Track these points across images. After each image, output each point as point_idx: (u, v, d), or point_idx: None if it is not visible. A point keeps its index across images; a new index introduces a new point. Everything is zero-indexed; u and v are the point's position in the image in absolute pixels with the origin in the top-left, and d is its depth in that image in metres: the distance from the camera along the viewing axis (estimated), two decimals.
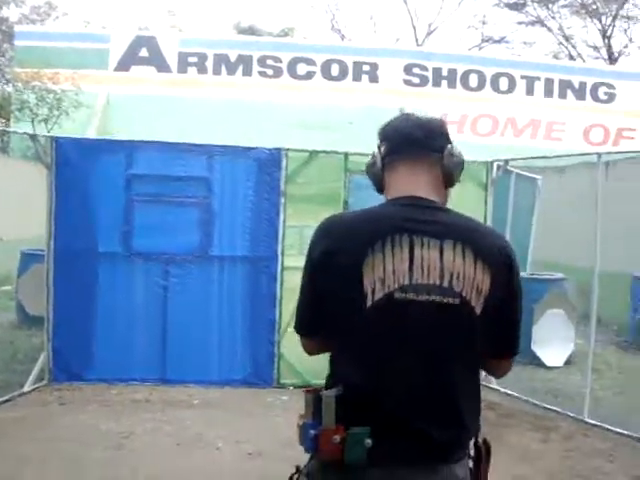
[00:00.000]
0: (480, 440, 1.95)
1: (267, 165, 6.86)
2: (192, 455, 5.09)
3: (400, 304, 1.79)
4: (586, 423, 6.05)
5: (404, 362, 1.81)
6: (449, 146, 1.95)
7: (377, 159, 1.98)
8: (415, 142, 1.93)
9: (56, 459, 4.82)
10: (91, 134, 10.59)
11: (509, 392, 6.63)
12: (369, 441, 1.77)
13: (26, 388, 6.28)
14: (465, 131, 13.47)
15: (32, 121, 14.82)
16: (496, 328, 1.89)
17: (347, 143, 7.84)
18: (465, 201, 7.20)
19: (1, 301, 10.43)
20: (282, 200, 6.85)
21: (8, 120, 17.21)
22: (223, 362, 6.77)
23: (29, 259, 8.79)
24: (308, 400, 1.87)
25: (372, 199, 2.04)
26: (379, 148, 1.99)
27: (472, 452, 1.94)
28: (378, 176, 1.98)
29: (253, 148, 7.00)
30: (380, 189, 2.01)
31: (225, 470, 4.83)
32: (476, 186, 7.36)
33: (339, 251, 1.83)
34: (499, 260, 1.86)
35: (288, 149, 6.94)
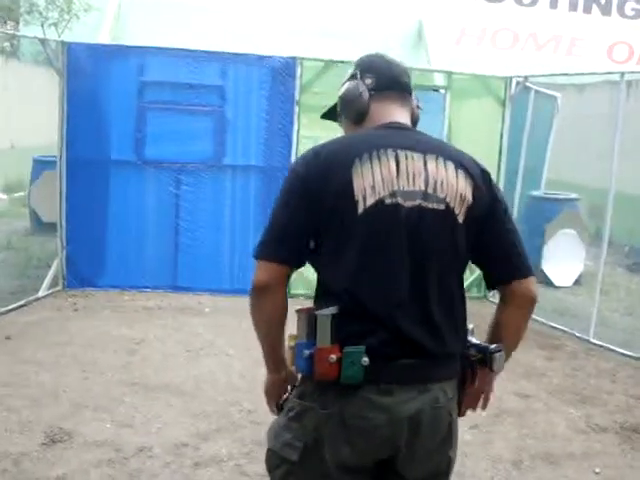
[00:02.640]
0: (471, 359, 1.94)
1: (281, 74, 6.75)
2: (202, 362, 5.19)
3: (391, 209, 1.82)
4: (591, 343, 6.13)
5: (396, 269, 1.83)
6: (413, 93, 2.07)
7: (363, 90, 1.98)
8: (403, 84, 2.03)
9: (71, 363, 4.93)
10: (103, 39, 10.36)
11: None
12: (366, 359, 1.77)
13: (40, 293, 6.38)
14: (484, 45, 13.12)
15: (42, 25, 14.46)
16: (494, 249, 1.93)
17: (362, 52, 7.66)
18: (483, 116, 7.21)
19: (14, 208, 10.50)
20: (296, 110, 6.76)
21: (17, 23, 16.75)
22: (234, 271, 6.82)
23: (41, 166, 8.78)
24: (302, 319, 1.87)
25: None
26: (362, 79, 1.99)
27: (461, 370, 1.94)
28: (363, 106, 1.98)
29: (267, 56, 6.84)
30: (360, 120, 2.00)
31: (235, 376, 4.93)
32: (494, 102, 7.22)
33: (329, 169, 1.84)
34: (478, 171, 1.93)
35: (303, 58, 6.81)
